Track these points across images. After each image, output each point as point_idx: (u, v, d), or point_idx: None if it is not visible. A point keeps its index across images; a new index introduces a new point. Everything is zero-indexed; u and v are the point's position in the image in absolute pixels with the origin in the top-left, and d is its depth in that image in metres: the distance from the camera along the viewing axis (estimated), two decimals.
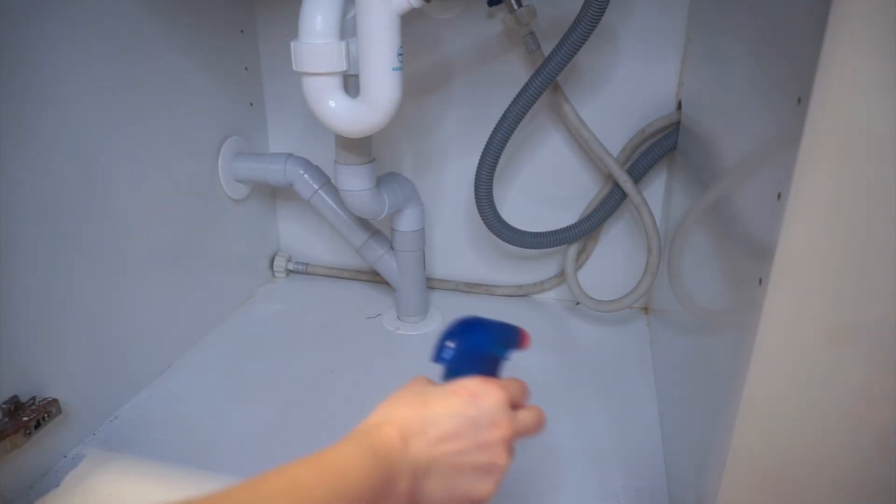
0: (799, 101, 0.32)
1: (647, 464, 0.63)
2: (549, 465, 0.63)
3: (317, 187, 0.83)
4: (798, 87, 0.32)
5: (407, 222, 0.82)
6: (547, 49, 0.70)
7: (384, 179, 0.79)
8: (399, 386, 0.79)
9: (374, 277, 0.98)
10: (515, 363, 0.79)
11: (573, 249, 0.85)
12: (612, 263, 0.89)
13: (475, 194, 0.77)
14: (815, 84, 0.30)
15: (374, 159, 0.74)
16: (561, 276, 0.91)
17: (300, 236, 1.00)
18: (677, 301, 0.67)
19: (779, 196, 0.34)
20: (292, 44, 0.61)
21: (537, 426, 0.46)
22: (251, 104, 0.90)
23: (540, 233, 0.82)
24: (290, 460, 0.34)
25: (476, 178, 0.76)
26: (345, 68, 0.61)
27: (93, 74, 0.62)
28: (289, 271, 1.01)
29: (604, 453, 0.64)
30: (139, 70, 0.68)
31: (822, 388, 0.37)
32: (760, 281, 0.36)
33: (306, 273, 1.01)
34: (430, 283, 0.96)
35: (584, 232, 0.82)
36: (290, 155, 0.84)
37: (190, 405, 0.71)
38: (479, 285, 0.95)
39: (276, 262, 1.00)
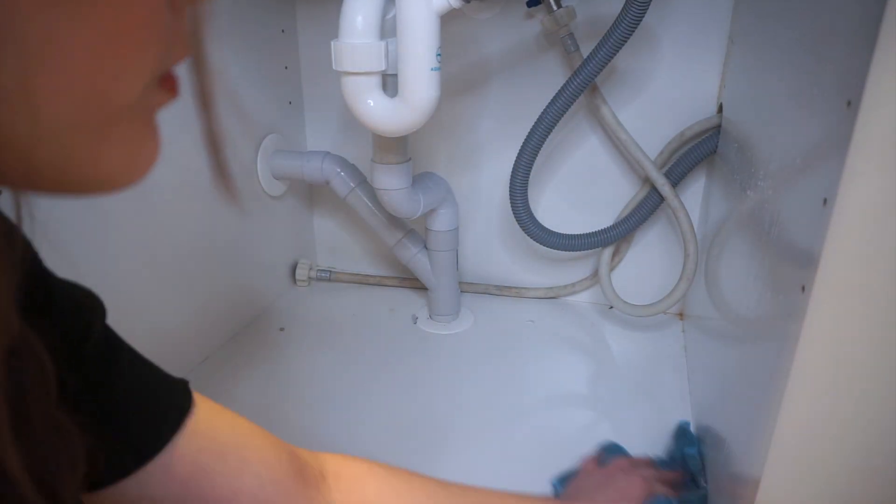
0: (849, 104, 0.31)
1: None
2: None
3: (353, 185, 0.84)
4: (848, 89, 0.32)
5: (441, 222, 0.82)
6: (586, 50, 0.69)
7: (419, 179, 0.79)
8: (432, 385, 0.80)
9: (401, 283, 0.98)
10: (545, 367, 0.79)
11: (607, 252, 0.85)
12: (646, 267, 0.87)
13: (510, 195, 0.77)
14: (867, 87, 0.30)
15: (410, 159, 0.74)
16: (593, 278, 0.90)
17: (335, 235, 1.01)
18: (714, 307, 0.66)
19: (825, 202, 0.34)
20: (333, 43, 0.61)
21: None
22: (290, 103, 0.91)
23: (575, 235, 0.81)
24: None
25: (511, 180, 0.76)
26: (384, 68, 0.62)
27: None
28: (311, 279, 0.99)
29: None
30: (182, 68, 0.70)
31: (866, 402, 0.36)
32: (803, 288, 0.35)
33: (329, 280, 1.00)
34: (461, 286, 0.96)
35: (620, 235, 0.81)
36: (328, 153, 0.86)
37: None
38: (510, 288, 0.95)
39: (299, 269, 0.97)
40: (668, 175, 0.77)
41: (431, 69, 0.61)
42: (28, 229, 0.20)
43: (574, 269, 0.92)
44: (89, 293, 0.31)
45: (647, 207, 0.80)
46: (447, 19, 0.60)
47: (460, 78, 0.84)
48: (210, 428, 0.35)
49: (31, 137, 0.17)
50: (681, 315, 0.88)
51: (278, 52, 0.87)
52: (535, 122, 0.72)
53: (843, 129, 0.32)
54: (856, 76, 0.31)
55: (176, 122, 0.33)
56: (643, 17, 0.63)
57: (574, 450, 0.65)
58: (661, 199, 0.78)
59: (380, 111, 0.63)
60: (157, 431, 0.32)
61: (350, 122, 0.84)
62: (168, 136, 0.28)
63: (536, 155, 0.74)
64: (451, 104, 0.86)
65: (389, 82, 0.65)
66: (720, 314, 0.63)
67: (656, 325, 0.87)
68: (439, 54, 0.61)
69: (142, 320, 0.68)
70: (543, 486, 0.60)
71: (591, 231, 0.82)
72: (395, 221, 0.86)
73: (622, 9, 0.63)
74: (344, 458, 0.44)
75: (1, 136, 0.17)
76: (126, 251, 0.64)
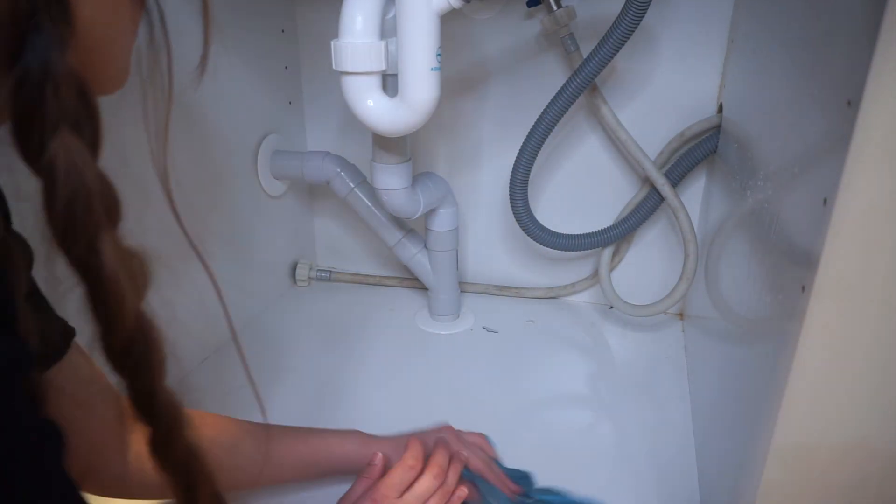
0: (849, 103, 0.31)
1: (679, 473, 0.61)
2: (579, 472, 0.62)
3: (353, 185, 0.84)
4: (848, 89, 0.32)
5: (441, 222, 0.82)
6: (586, 50, 0.69)
7: (419, 179, 0.79)
8: (432, 385, 0.80)
9: (401, 283, 0.98)
10: (545, 367, 0.78)
11: (607, 252, 0.85)
12: (646, 267, 0.87)
13: (510, 195, 0.77)
14: (867, 86, 0.30)
15: (410, 158, 0.74)
16: (593, 278, 0.90)
17: (335, 235, 1.01)
18: (714, 307, 0.66)
19: (825, 201, 0.34)
20: (332, 43, 0.61)
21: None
22: (290, 102, 0.91)
23: (575, 235, 0.81)
24: None
25: (511, 179, 0.76)
26: (384, 68, 0.62)
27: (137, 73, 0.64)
28: (311, 279, 0.99)
29: (636, 461, 0.63)
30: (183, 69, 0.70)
31: (866, 402, 0.36)
32: (803, 288, 0.35)
33: (330, 280, 1.00)
34: (461, 286, 0.96)
35: (620, 235, 0.81)
36: (328, 153, 0.85)
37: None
38: (510, 288, 0.95)
39: (299, 269, 0.98)
40: (668, 175, 0.77)
41: (431, 69, 0.61)
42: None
43: (574, 269, 0.92)
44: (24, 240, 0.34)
45: (647, 207, 0.80)
46: (447, 19, 0.60)
47: (460, 78, 0.84)
48: (76, 366, 0.43)
49: (102, 50, 0.30)
50: (681, 315, 0.88)
51: (278, 52, 0.87)
52: (535, 122, 0.72)
53: (843, 129, 0.32)
54: (856, 75, 0.31)
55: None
56: (643, 17, 0.63)
57: (574, 449, 0.65)
58: (661, 199, 0.78)
59: (380, 111, 0.63)
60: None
61: (350, 122, 0.83)
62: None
63: (536, 155, 0.74)
64: (451, 104, 0.85)
65: (389, 82, 0.65)
66: (720, 314, 0.63)
67: (656, 326, 0.87)
68: (439, 54, 0.61)
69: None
70: (544, 486, 0.60)
71: (591, 231, 0.81)
72: (395, 221, 0.86)
73: (622, 9, 0.63)
74: None
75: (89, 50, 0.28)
76: None
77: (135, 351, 0.28)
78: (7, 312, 0.24)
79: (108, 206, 0.26)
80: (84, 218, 0.24)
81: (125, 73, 0.32)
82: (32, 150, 0.23)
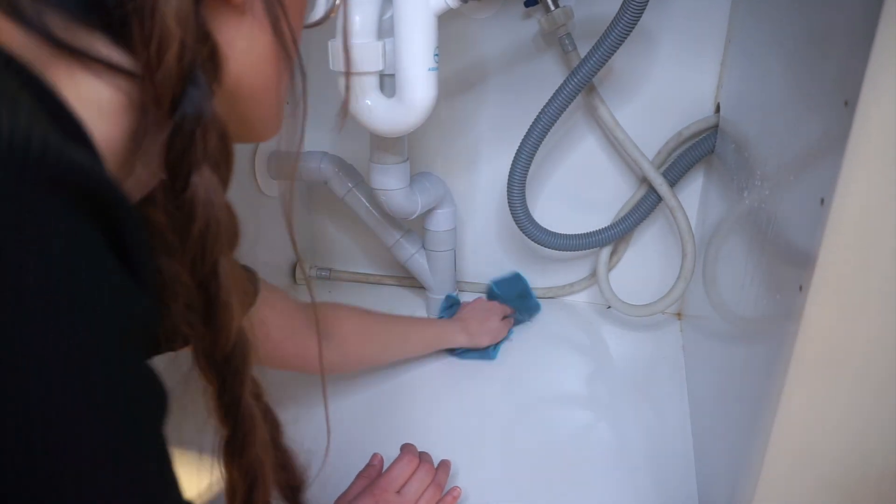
0: (846, 104, 0.31)
1: (678, 473, 0.62)
2: (577, 472, 0.62)
3: (351, 185, 0.84)
4: (845, 89, 0.32)
5: (439, 222, 0.82)
6: (583, 50, 0.69)
7: (417, 179, 0.79)
8: (431, 385, 0.79)
9: (400, 282, 0.98)
10: (544, 367, 0.79)
11: (605, 252, 0.85)
12: (644, 267, 0.87)
13: (508, 195, 0.77)
14: (864, 86, 0.30)
15: (407, 159, 0.74)
16: (591, 278, 0.90)
17: (334, 235, 1.01)
18: (712, 307, 0.66)
19: (822, 201, 0.34)
20: (330, 43, 0.61)
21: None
22: (287, 103, 0.91)
23: (572, 235, 0.81)
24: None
25: (509, 179, 0.76)
26: (381, 68, 0.62)
27: None
28: (311, 278, 1.00)
29: (634, 461, 0.63)
30: None
31: (863, 400, 0.36)
32: (801, 288, 0.35)
33: (330, 279, 1.00)
34: (459, 286, 0.96)
35: (618, 235, 0.81)
36: (326, 153, 0.85)
37: None
38: None
39: (299, 269, 0.98)
40: (665, 175, 0.77)
41: (429, 69, 0.61)
42: None
43: (572, 269, 0.92)
44: None
45: (645, 207, 0.80)
46: (445, 19, 0.60)
47: (458, 78, 0.84)
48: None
49: (254, 107, 0.35)
50: (679, 315, 0.88)
51: None
52: (533, 122, 0.72)
53: (840, 129, 0.32)
54: (853, 76, 0.31)
55: None
56: (640, 16, 0.63)
57: (572, 449, 0.65)
58: (659, 198, 0.78)
59: (377, 111, 0.63)
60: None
61: (348, 121, 0.83)
62: None
63: (534, 155, 0.74)
64: (448, 104, 0.85)
65: (387, 82, 0.65)
66: (718, 314, 0.63)
67: (654, 325, 0.87)
68: (437, 54, 0.61)
69: None
70: (543, 486, 0.60)
71: (588, 231, 0.81)
72: (392, 221, 0.86)
73: (619, 8, 0.63)
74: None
75: (242, 110, 0.32)
76: None
77: (233, 361, 0.31)
78: (146, 273, 0.26)
79: (231, 235, 0.30)
80: (213, 244, 0.28)
81: (277, 123, 0.37)
82: (178, 184, 0.27)
